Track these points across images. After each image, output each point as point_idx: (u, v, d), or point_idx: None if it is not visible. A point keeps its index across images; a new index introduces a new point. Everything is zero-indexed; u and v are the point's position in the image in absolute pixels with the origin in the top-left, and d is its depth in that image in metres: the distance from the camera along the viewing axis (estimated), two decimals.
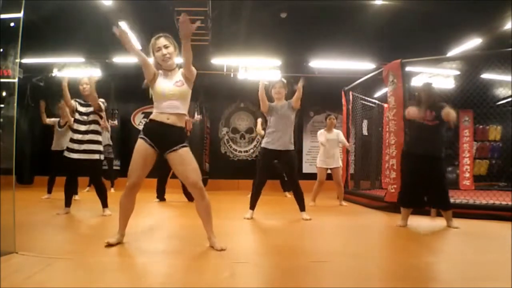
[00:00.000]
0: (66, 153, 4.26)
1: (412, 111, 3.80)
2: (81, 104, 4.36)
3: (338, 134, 6.07)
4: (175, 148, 2.62)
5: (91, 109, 4.31)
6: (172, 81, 2.68)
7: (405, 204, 4.00)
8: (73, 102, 4.35)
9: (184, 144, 2.66)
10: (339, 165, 6.03)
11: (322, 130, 6.07)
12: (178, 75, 2.73)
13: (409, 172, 3.97)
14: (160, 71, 2.72)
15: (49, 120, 6.35)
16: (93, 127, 4.31)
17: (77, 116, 4.31)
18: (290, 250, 2.85)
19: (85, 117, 4.29)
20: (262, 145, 4.35)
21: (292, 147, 4.28)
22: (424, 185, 3.84)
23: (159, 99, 2.66)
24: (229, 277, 2.05)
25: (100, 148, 4.39)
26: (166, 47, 2.66)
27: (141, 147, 2.64)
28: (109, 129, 7.45)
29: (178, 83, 2.68)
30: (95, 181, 4.45)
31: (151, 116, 2.71)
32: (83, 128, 4.27)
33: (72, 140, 4.27)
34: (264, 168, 4.37)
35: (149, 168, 2.69)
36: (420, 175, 3.81)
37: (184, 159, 2.63)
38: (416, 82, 8.62)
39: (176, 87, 2.66)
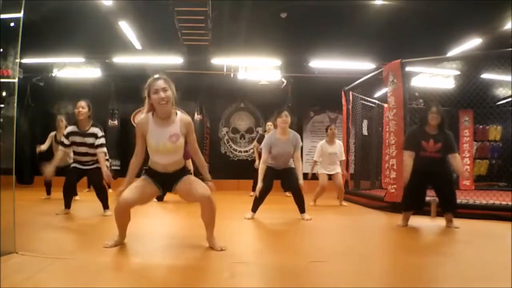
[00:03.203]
0: (74, 164, 4.36)
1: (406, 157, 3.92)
2: (76, 134, 4.25)
3: (339, 147, 5.99)
4: (177, 182, 2.62)
5: (85, 140, 4.24)
6: (167, 133, 2.53)
7: (408, 208, 3.99)
8: (63, 138, 4.31)
9: (186, 175, 2.65)
10: (339, 171, 5.99)
11: (323, 142, 5.96)
12: (175, 126, 2.56)
13: (414, 178, 3.86)
14: (152, 119, 2.56)
15: (44, 146, 6.24)
16: (92, 154, 4.28)
17: (75, 148, 4.29)
18: (290, 250, 2.85)
19: (83, 148, 4.26)
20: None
21: (293, 165, 4.39)
22: (427, 186, 3.84)
23: (151, 151, 2.58)
24: (229, 277, 2.05)
25: (105, 156, 4.45)
26: (164, 90, 2.47)
27: (144, 183, 2.61)
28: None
29: (173, 138, 2.53)
30: (96, 185, 4.45)
31: (149, 164, 2.66)
32: (82, 157, 4.31)
33: (76, 161, 4.36)
34: (269, 179, 4.40)
35: (146, 201, 2.65)
36: (425, 179, 3.81)
37: (189, 187, 2.60)
38: (418, 82, 8.65)
39: (171, 144, 2.53)
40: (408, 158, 3.89)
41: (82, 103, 4.25)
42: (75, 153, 4.34)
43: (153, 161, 2.63)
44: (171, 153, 2.57)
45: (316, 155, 5.97)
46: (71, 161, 4.64)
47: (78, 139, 4.26)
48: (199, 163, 2.77)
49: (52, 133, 6.23)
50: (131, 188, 2.57)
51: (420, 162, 3.81)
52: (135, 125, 6.68)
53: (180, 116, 2.62)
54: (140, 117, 2.63)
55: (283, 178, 4.56)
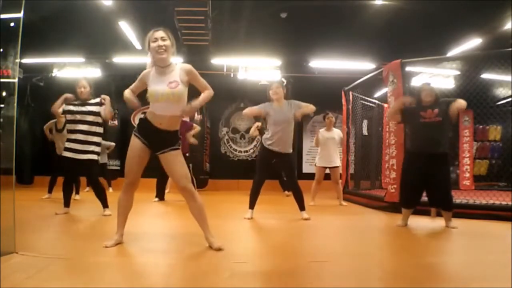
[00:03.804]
0: (64, 153, 4.23)
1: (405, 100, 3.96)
2: (73, 104, 4.23)
3: (338, 133, 6.09)
4: (165, 150, 2.62)
5: (84, 109, 4.20)
6: (166, 81, 2.58)
7: (407, 205, 4.00)
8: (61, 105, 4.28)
9: (174, 147, 2.65)
10: (338, 164, 6.04)
11: (322, 129, 6.09)
12: (174, 74, 2.62)
13: (411, 172, 3.92)
14: (154, 70, 2.64)
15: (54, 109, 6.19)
16: (88, 127, 4.19)
17: (69, 116, 4.23)
18: (290, 250, 2.85)
19: (78, 117, 4.18)
20: (263, 144, 4.34)
21: (291, 151, 4.32)
22: (426, 184, 3.83)
23: (152, 100, 2.62)
24: (229, 277, 2.05)
25: (97, 149, 4.30)
26: (163, 39, 2.57)
27: (135, 145, 2.65)
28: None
29: (172, 84, 2.57)
30: (92, 182, 4.42)
31: (146, 114, 2.67)
32: (77, 127, 4.19)
33: (68, 140, 4.24)
34: (263, 167, 4.38)
35: (145, 164, 2.70)
36: (422, 174, 3.78)
37: (172, 162, 2.63)
38: (416, 82, 8.63)
39: (170, 89, 2.56)
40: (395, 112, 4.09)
41: (84, 82, 4.24)
42: (70, 130, 4.22)
43: (151, 112, 2.64)
44: (169, 101, 2.57)
45: (315, 141, 6.08)
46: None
47: (75, 108, 4.20)
48: (203, 95, 2.78)
49: (52, 121, 6.20)
50: (129, 164, 2.65)
51: (420, 133, 3.84)
52: (135, 125, 6.70)
53: (180, 65, 2.68)
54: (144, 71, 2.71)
55: (281, 165, 4.49)
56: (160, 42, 2.55)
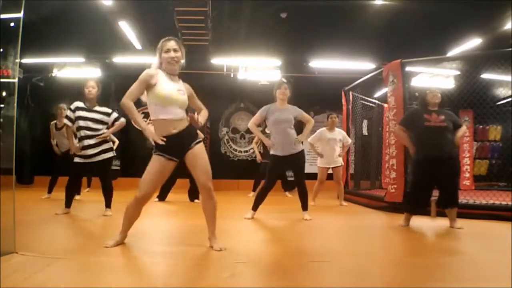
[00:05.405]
0: (77, 159, 4.20)
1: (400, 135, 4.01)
2: (83, 109, 4.20)
3: (340, 133, 6.01)
4: (190, 145, 2.64)
5: (93, 116, 4.19)
6: (176, 87, 2.65)
7: (412, 212, 3.96)
8: (69, 111, 4.25)
9: (198, 140, 2.68)
10: (340, 164, 6.01)
11: (323, 129, 5.96)
12: (181, 84, 2.71)
13: (418, 178, 3.87)
14: (161, 73, 2.64)
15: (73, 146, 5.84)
16: (96, 133, 4.20)
17: (81, 123, 4.16)
18: (290, 250, 2.85)
19: (89, 123, 4.18)
20: (271, 152, 4.33)
21: (299, 149, 4.24)
22: (433, 187, 3.79)
23: (161, 102, 2.57)
24: (229, 277, 2.05)
25: (111, 144, 4.38)
26: (175, 50, 2.63)
27: (159, 163, 2.61)
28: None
29: (181, 92, 2.65)
30: (104, 180, 4.39)
31: (157, 132, 2.63)
32: (89, 133, 4.17)
33: (82, 148, 4.17)
34: (273, 173, 4.36)
35: (164, 179, 2.74)
36: (430, 181, 3.75)
37: (197, 157, 2.64)
38: (418, 82, 8.65)
39: (180, 95, 2.64)
40: (400, 131, 4.00)
41: (92, 83, 4.23)
42: (80, 137, 4.18)
43: (160, 122, 2.60)
44: (179, 105, 2.62)
45: (314, 139, 5.93)
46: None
47: (84, 113, 4.19)
48: (203, 113, 2.86)
49: (53, 122, 6.19)
50: (147, 179, 2.60)
51: (425, 137, 3.77)
52: (135, 125, 6.71)
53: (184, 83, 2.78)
54: (149, 71, 2.64)
55: (290, 166, 4.46)
56: (172, 54, 2.61)
